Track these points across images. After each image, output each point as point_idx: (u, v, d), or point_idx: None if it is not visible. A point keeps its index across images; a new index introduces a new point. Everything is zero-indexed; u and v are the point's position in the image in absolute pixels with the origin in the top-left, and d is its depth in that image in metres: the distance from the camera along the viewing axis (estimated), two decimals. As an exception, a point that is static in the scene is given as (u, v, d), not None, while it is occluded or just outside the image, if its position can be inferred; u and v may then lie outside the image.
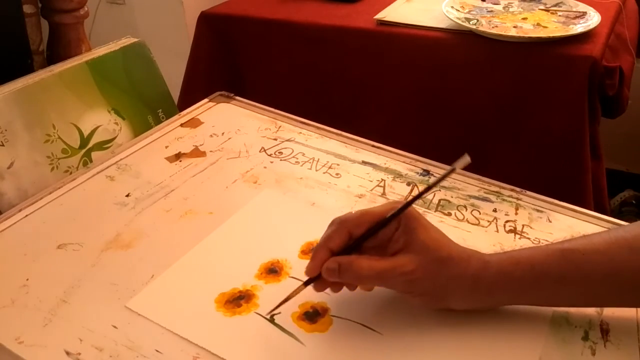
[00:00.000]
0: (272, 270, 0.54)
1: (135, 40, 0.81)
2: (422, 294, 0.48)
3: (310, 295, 0.51)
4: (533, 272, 0.48)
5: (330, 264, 0.47)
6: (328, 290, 0.50)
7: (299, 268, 0.54)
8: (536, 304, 0.50)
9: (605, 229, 0.51)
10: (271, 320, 0.49)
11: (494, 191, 0.66)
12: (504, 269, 0.48)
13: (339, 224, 0.48)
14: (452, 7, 1.20)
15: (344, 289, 0.50)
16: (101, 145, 0.73)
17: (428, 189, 0.51)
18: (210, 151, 0.72)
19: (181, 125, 0.77)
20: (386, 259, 0.47)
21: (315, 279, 0.48)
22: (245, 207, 0.62)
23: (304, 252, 0.56)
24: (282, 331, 0.48)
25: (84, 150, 0.72)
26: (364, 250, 0.48)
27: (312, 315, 0.50)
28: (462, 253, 0.48)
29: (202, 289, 0.52)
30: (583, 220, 0.62)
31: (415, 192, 0.65)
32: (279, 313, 0.49)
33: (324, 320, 0.49)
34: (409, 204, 0.48)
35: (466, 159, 0.46)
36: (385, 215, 0.47)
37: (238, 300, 0.51)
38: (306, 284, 0.48)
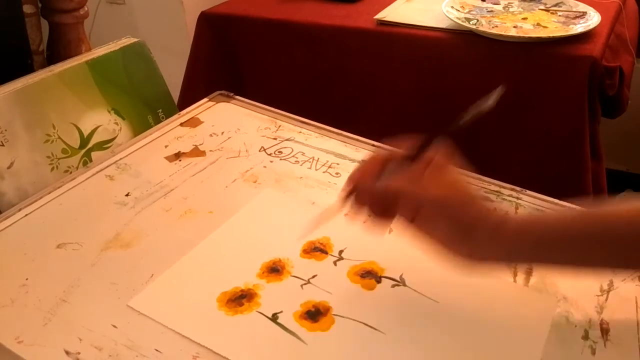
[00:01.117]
0: (274, 269, 0.54)
1: (135, 40, 0.81)
2: (450, 226, 0.47)
3: (313, 294, 0.51)
4: (557, 227, 0.47)
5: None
6: (330, 289, 0.50)
7: (300, 267, 0.54)
8: (558, 264, 0.49)
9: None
10: (273, 319, 0.49)
11: (494, 191, 0.66)
12: (527, 218, 0.49)
13: (374, 158, 0.51)
14: (452, 7, 1.20)
15: (345, 284, 0.49)
16: (101, 145, 0.73)
17: (458, 123, 0.51)
18: (210, 150, 0.72)
19: (181, 124, 0.77)
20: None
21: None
22: (246, 206, 0.62)
23: (305, 252, 0.56)
24: (284, 330, 0.48)
25: (84, 150, 0.72)
26: None
27: (314, 314, 0.50)
28: (485, 202, 0.49)
29: (204, 288, 0.52)
30: (583, 220, 0.62)
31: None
32: (281, 312, 0.49)
33: (326, 319, 0.49)
34: (433, 137, 0.49)
35: (500, 91, 0.46)
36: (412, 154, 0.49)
37: (240, 299, 0.51)
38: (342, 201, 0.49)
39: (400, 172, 0.48)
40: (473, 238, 0.47)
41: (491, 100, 0.47)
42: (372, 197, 0.49)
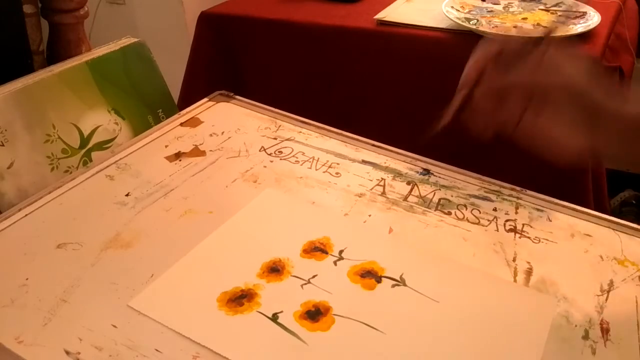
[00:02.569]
0: (274, 269, 0.54)
1: (135, 40, 0.81)
2: (576, 111, 0.46)
3: (313, 294, 0.51)
4: None
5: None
6: (330, 289, 0.50)
7: (301, 267, 0.54)
8: None
9: None
10: (273, 319, 0.49)
11: (494, 190, 0.66)
12: None
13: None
14: (452, 7, 1.20)
15: (346, 284, 0.49)
16: (101, 145, 0.73)
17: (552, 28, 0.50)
18: (210, 150, 0.72)
19: (181, 124, 0.77)
20: None
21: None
22: (247, 206, 0.62)
23: (305, 251, 0.56)
24: (284, 330, 0.48)
25: (84, 150, 0.72)
26: None
27: (314, 314, 0.50)
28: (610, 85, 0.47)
29: (204, 287, 0.52)
30: (583, 220, 0.62)
31: (415, 191, 0.65)
32: (281, 312, 0.49)
33: (326, 319, 0.49)
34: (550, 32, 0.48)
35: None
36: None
37: (240, 299, 0.51)
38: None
39: (518, 64, 0.47)
40: (596, 123, 0.46)
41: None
42: (494, 89, 0.47)
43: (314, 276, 0.53)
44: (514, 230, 0.60)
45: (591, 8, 1.17)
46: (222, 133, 0.75)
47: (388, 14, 1.23)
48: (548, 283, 0.54)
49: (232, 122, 0.77)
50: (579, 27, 1.11)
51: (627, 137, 0.47)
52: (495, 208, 0.63)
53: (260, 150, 0.72)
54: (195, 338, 0.47)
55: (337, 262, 0.55)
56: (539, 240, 0.59)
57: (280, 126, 0.77)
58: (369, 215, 0.61)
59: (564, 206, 0.64)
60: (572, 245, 0.59)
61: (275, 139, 0.74)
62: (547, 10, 1.21)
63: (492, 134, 0.48)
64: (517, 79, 0.46)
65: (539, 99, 0.46)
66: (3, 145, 0.64)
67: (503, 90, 0.47)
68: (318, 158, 0.71)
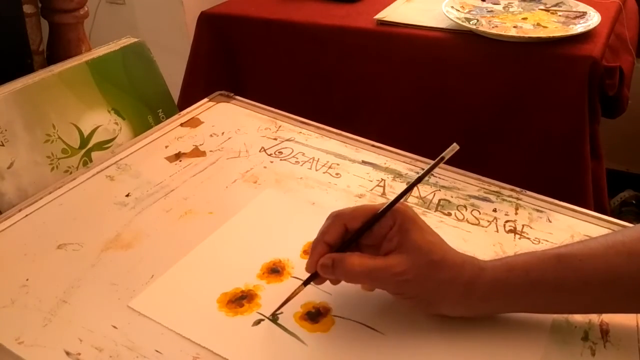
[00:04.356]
0: (274, 270, 0.54)
1: (135, 40, 0.81)
2: (412, 296, 0.48)
3: (313, 295, 0.51)
4: (528, 278, 0.46)
5: (324, 260, 0.47)
6: (330, 289, 0.50)
7: (301, 268, 0.54)
8: (533, 312, 0.49)
9: (603, 234, 0.50)
10: (273, 320, 0.49)
11: (494, 191, 0.66)
12: (499, 275, 0.47)
13: (335, 218, 0.49)
14: (452, 7, 1.20)
15: (346, 284, 0.49)
16: (101, 145, 0.73)
17: (418, 180, 0.50)
18: (210, 151, 0.72)
19: (181, 124, 0.77)
20: (379, 257, 0.47)
21: (314, 278, 0.48)
22: (247, 207, 0.62)
23: (305, 252, 0.56)
24: (284, 331, 0.48)
25: (84, 150, 0.72)
26: (361, 248, 0.48)
27: (314, 315, 0.50)
28: (456, 258, 0.47)
29: (204, 288, 0.52)
30: (583, 220, 0.62)
31: (415, 192, 0.65)
32: (282, 313, 0.49)
33: (326, 320, 0.49)
34: (400, 196, 0.47)
35: (454, 147, 0.46)
36: (378, 210, 0.47)
37: (240, 300, 0.51)
38: (305, 283, 0.49)
39: (365, 238, 0.48)
40: (441, 301, 0.47)
41: (446, 155, 0.47)
42: (331, 277, 0.48)
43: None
44: (513, 231, 0.60)
45: (591, 8, 1.17)
46: (222, 133, 0.75)
47: (388, 14, 1.23)
48: (548, 284, 0.54)
49: (232, 123, 0.77)
50: (579, 27, 1.11)
51: (484, 306, 0.48)
52: (495, 209, 0.63)
53: (260, 151, 0.72)
54: (196, 339, 0.47)
55: (337, 263, 0.55)
56: (539, 241, 0.59)
57: (280, 127, 0.77)
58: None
59: (563, 207, 0.64)
60: (572, 246, 0.59)
61: (275, 139, 0.74)
62: (547, 10, 1.21)
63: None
64: (358, 271, 0.47)
65: (387, 286, 0.48)
66: (3, 145, 0.64)
67: (350, 279, 0.49)
68: (318, 159, 0.71)
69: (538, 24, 1.14)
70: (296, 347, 0.47)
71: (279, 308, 0.49)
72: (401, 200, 0.48)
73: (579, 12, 1.18)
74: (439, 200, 0.64)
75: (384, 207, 0.47)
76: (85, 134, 0.72)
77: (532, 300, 0.48)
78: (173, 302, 0.51)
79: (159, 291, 0.52)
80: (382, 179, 0.67)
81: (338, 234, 0.48)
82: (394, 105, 1.21)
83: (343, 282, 0.50)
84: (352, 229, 0.48)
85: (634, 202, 1.70)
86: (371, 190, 0.66)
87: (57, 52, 0.82)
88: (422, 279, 0.46)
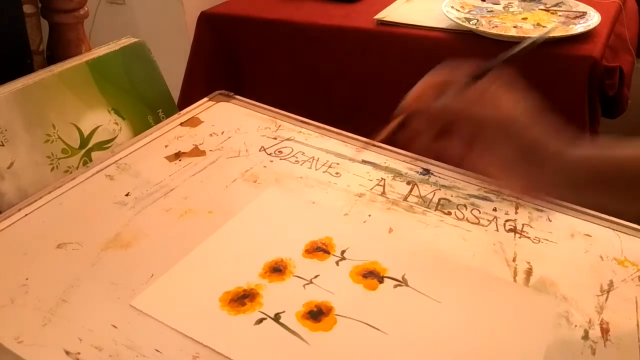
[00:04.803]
0: (277, 269, 0.54)
1: (135, 40, 0.81)
2: (511, 148, 0.45)
3: (315, 295, 0.51)
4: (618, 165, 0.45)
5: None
6: (332, 289, 0.50)
7: (303, 267, 0.54)
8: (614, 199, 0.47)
9: None
10: (275, 319, 0.49)
11: (494, 190, 0.66)
12: (592, 152, 0.46)
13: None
14: (452, 7, 1.20)
15: (346, 284, 0.49)
16: (101, 145, 0.73)
17: (516, 50, 0.50)
18: (210, 150, 0.71)
19: (181, 124, 0.76)
20: None
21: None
22: (249, 206, 0.62)
23: (307, 251, 0.56)
24: (286, 330, 0.48)
25: (84, 150, 0.72)
26: None
27: (317, 314, 0.50)
28: (549, 126, 0.46)
29: (206, 287, 0.52)
30: (583, 220, 0.62)
31: (415, 191, 0.65)
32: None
33: (328, 319, 0.49)
34: (508, 57, 0.48)
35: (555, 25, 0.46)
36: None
37: (242, 299, 0.51)
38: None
39: (459, 95, 0.46)
40: (532, 163, 0.45)
41: (545, 34, 0.47)
42: (429, 118, 0.46)
43: (316, 276, 0.53)
44: (513, 230, 0.60)
45: (591, 8, 1.17)
46: (222, 133, 0.75)
47: (388, 14, 1.23)
48: (548, 283, 0.54)
49: (232, 122, 0.77)
50: (579, 27, 1.11)
51: (572, 181, 0.46)
52: (495, 208, 0.63)
53: (260, 150, 0.72)
54: (198, 337, 0.47)
55: (339, 262, 0.55)
56: (539, 240, 0.59)
57: (280, 126, 0.77)
58: (369, 215, 0.61)
59: (563, 206, 0.64)
60: (572, 245, 0.59)
61: (275, 138, 0.74)
62: (547, 10, 1.21)
63: (433, 156, 0.48)
64: (453, 110, 0.45)
65: (473, 132, 0.46)
66: (3, 145, 0.64)
67: (438, 120, 0.46)
68: (318, 158, 0.71)
69: (538, 24, 1.14)
70: (298, 346, 0.47)
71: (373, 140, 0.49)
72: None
73: (579, 12, 1.18)
74: (439, 200, 0.64)
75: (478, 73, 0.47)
76: (85, 134, 0.72)
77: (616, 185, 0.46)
78: (175, 301, 0.51)
79: (162, 290, 0.52)
80: (382, 178, 0.67)
81: (433, 96, 0.47)
82: (394, 105, 1.20)
83: (343, 282, 0.50)
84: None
85: (634, 202, 1.69)
86: (371, 189, 0.66)
87: (57, 52, 0.82)
88: (522, 126, 0.45)
